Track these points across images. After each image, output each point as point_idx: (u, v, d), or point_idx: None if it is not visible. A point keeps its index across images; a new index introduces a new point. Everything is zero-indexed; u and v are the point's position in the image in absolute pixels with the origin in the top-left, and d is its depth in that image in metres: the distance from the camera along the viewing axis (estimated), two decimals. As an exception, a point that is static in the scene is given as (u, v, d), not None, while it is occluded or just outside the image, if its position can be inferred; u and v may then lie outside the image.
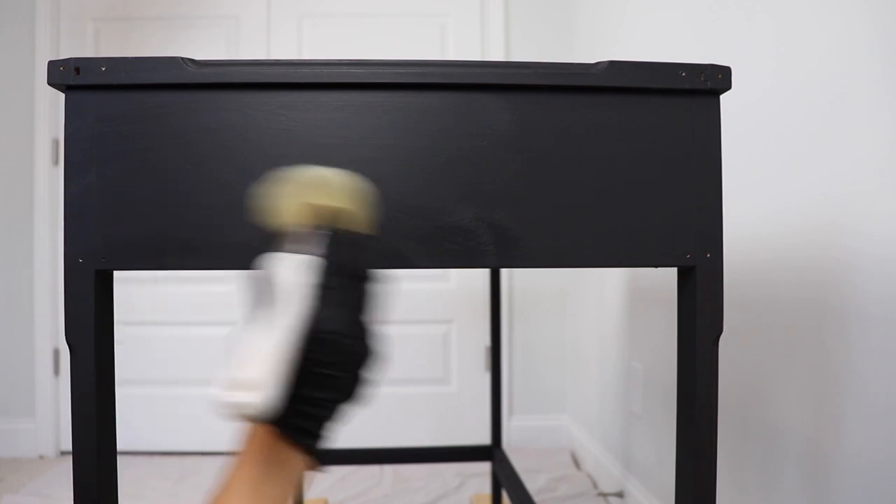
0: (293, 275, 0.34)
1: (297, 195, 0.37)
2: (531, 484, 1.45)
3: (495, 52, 1.82)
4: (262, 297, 0.35)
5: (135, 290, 1.75)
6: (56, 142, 1.79)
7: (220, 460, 1.73)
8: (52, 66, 0.42)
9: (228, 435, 1.80)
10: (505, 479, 1.18)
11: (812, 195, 0.73)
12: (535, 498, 1.07)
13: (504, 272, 1.66)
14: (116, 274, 0.45)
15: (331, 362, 0.34)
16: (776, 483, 0.80)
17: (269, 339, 0.33)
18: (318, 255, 0.35)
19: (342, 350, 0.34)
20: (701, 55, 0.99)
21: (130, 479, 1.52)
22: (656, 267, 0.47)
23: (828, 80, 0.70)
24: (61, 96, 0.43)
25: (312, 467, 0.37)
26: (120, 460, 0.43)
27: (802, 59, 0.75)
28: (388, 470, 1.60)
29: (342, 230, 0.37)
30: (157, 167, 0.43)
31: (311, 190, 0.38)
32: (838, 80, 0.68)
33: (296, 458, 0.36)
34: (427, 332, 1.83)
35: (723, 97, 0.46)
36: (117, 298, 0.46)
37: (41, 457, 1.76)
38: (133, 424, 1.74)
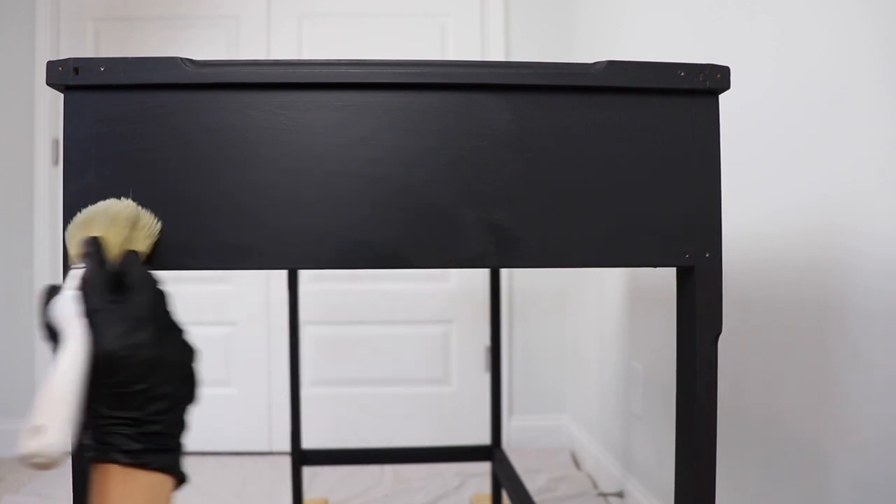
0: (66, 308, 0.36)
1: (71, 234, 0.40)
2: (531, 484, 1.45)
3: (495, 52, 1.82)
4: (54, 339, 0.36)
5: (135, 290, 1.75)
6: (56, 142, 1.79)
7: (220, 460, 1.73)
8: (51, 66, 0.42)
9: (228, 435, 1.81)
10: (505, 479, 1.18)
11: (812, 195, 0.73)
12: (535, 498, 1.07)
13: (504, 272, 1.65)
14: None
15: (121, 380, 0.35)
16: (776, 483, 0.80)
17: (54, 379, 0.33)
18: (80, 283, 0.37)
19: (124, 365, 0.35)
20: (701, 55, 0.99)
21: (130, 479, 1.52)
22: (655, 267, 0.47)
23: (828, 80, 0.70)
24: (61, 96, 0.43)
25: (174, 483, 0.38)
26: (119, 460, 0.43)
27: (802, 59, 0.75)
28: (389, 470, 1.60)
29: (95, 254, 0.38)
30: (157, 167, 0.43)
31: (78, 226, 0.40)
32: (838, 79, 0.68)
33: (151, 482, 0.36)
34: (427, 333, 1.83)
35: (722, 97, 0.46)
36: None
37: (41, 457, 1.76)
38: (133, 424, 1.74)
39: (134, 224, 0.40)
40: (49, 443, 0.32)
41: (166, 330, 0.38)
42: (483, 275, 1.76)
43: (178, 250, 0.43)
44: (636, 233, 0.46)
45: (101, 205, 0.40)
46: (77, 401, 0.34)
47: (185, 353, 0.39)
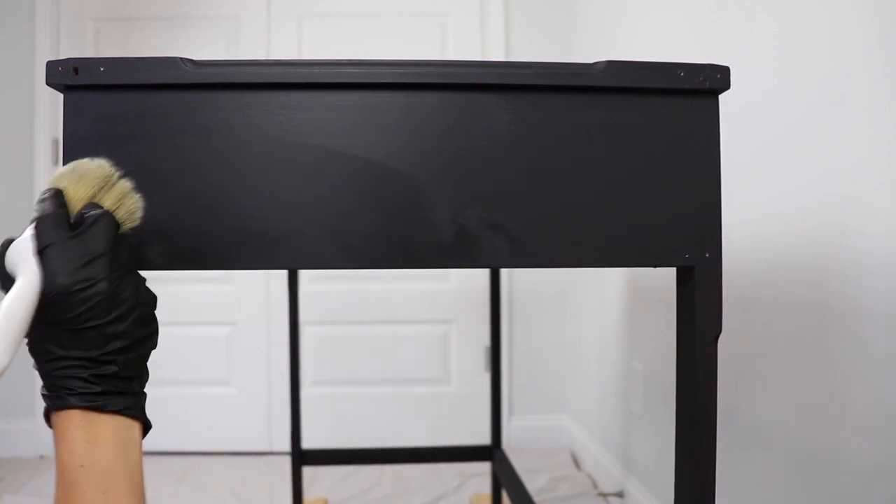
0: (21, 248, 0.36)
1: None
2: (531, 484, 1.45)
3: (495, 52, 1.82)
4: (9, 285, 0.35)
5: (135, 290, 1.75)
6: (56, 142, 1.79)
7: (219, 460, 1.73)
8: (51, 66, 0.42)
9: (228, 435, 1.80)
10: (505, 479, 1.18)
11: (812, 195, 0.73)
12: (535, 498, 1.07)
13: (504, 272, 1.65)
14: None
15: (75, 316, 0.34)
16: (776, 483, 0.79)
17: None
18: (34, 222, 0.36)
19: (77, 300, 0.34)
20: (701, 55, 0.99)
21: (130, 479, 1.52)
22: (655, 267, 0.47)
23: (828, 80, 0.70)
24: (61, 96, 0.43)
25: (140, 428, 0.37)
26: (119, 460, 0.43)
27: (803, 59, 0.75)
28: (388, 470, 1.60)
29: (53, 197, 0.37)
30: (156, 167, 0.43)
31: (49, 183, 0.39)
32: (838, 79, 0.68)
33: (115, 425, 0.35)
34: (427, 332, 1.83)
35: (722, 97, 0.46)
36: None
37: (41, 457, 1.76)
38: (133, 424, 1.74)
39: (104, 184, 0.39)
40: None
41: (123, 269, 0.37)
42: (483, 275, 1.75)
43: (178, 250, 0.43)
44: (636, 233, 0.46)
45: (73, 163, 0.39)
46: (21, 331, 0.33)
47: (143, 295, 0.38)
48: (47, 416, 0.35)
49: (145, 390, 0.38)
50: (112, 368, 0.35)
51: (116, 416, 0.35)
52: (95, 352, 0.34)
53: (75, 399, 0.34)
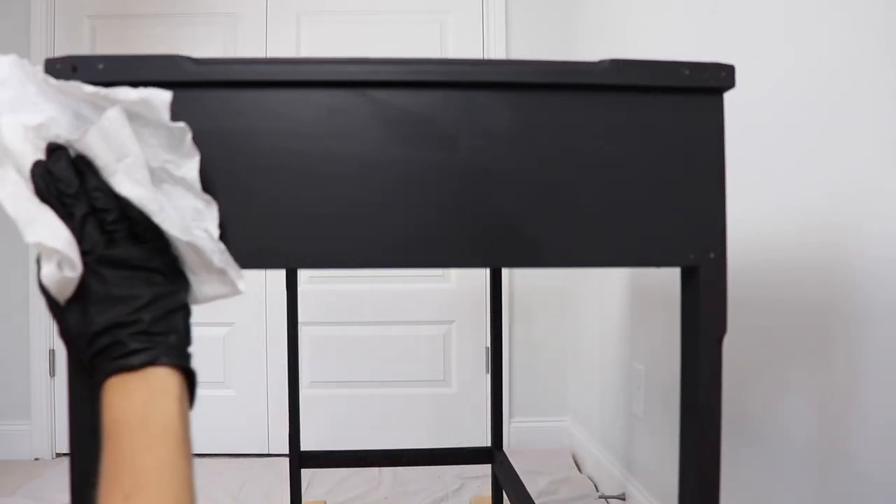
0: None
1: None
2: (532, 486, 1.44)
3: (496, 51, 1.82)
4: None
5: (132, 292, 1.74)
6: (53, 142, 1.78)
7: (217, 462, 1.72)
8: (49, 63, 0.42)
9: (226, 437, 1.80)
10: (505, 482, 1.18)
11: (817, 194, 0.73)
12: (536, 500, 1.07)
13: (504, 272, 1.65)
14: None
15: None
16: (781, 485, 0.79)
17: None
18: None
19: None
20: (705, 54, 0.99)
21: (128, 482, 1.51)
22: (659, 267, 0.47)
23: (832, 79, 0.70)
24: (57, 95, 0.42)
25: (180, 376, 0.36)
26: (116, 463, 0.42)
27: (807, 58, 0.75)
28: (388, 472, 1.59)
29: None
30: (155, 166, 0.42)
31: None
32: (843, 78, 0.68)
33: (148, 379, 0.34)
34: (427, 333, 1.83)
35: (726, 96, 0.46)
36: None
37: (37, 459, 1.75)
38: (130, 426, 1.73)
39: None
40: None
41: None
42: (483, 275, 1.75)
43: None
44: (640, 232, 0.45)
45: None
46: None
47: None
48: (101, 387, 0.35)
49: (186, 346, 0.37)
50: (140, 326, 0.34)
51: (145, 370, 0.34)
52: (123, 315, 0.34)
53: (108, 365, 0.34)
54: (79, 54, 0.42)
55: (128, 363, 0.34)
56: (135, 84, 0.42)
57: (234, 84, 0.43)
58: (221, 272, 0.39)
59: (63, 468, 1.65)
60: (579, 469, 1.65)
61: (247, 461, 1.74)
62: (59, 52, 1.77)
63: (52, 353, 1.76)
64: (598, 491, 1.47)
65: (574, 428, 1.78)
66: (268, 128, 0.43)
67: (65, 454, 1.76)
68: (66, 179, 0.35)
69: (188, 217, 0.38)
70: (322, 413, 1.78)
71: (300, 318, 1.33)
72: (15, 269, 1.77)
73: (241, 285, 0.39)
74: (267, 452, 1.81)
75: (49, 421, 1.75)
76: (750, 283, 0.85)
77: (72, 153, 0.36)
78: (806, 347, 0.74)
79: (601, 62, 0.45)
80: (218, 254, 0.39)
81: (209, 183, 0.40)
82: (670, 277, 1.09)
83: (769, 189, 0.82)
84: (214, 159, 0.43)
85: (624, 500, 1.34)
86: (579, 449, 1.70)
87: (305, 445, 1.30)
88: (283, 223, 0.43)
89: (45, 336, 1.75)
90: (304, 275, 1.79)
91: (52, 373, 1.76)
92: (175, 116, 0.40)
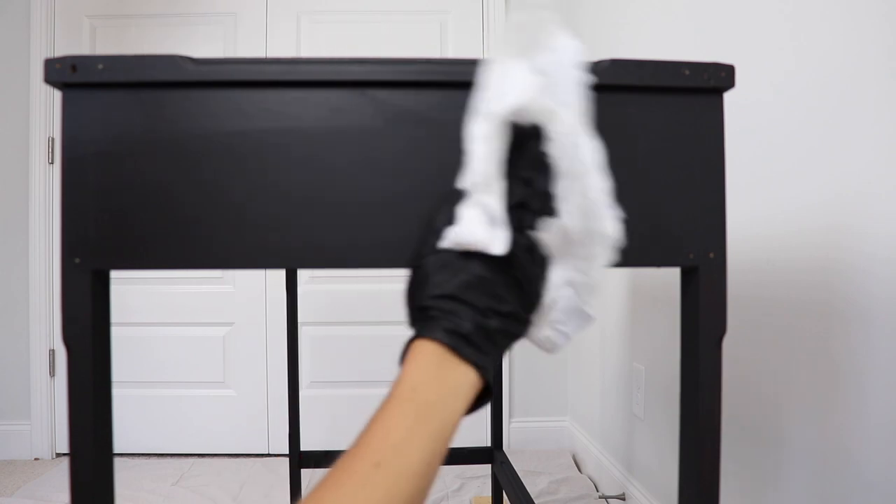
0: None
1: None
2: (532, 486, 1.44)
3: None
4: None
5: (131, 291, 1.75)
6: (51, 140, 1.78)
7: (217, 462, 1.72)
8: (49, 63, 0.42)
9: (226, 437, 1.80)
10: (506, 482, 1.18)
11: (817, 195, 0.73)
12: (536, 500, 1.07)
13: (503, 273, 1.65)
14: (112, 274, 0.45)
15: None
16: (781, 486, 0.79)
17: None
18: None
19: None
20: (704, 55, 0.99)
21: (127, 482, 1.51)
22: (659, 267, 0.47)
23: (833, 80, 0.70)
24: (57, 94, 0.43)
25: (480, 385, 0.34)
26: (116, 462, 0.42)
27: (809, 59, 0.75)
28: (387, 472, 1.59)
29: None
30: (155, 166, 0.42)
31: None
32: (844, 79, 0.68)
33: (460, 372, 0.33)
34: (426, 334, 1.82)
35: (727, 96, 0.46)
36: (113, 299, 0.46)
37: (37, 459, 1.75)
38: (129, 426, 1.73)
39: None
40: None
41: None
42: (482, 276, 1.75)
43: (176, 250, 0.42)
44: (640, 232, 0.45)
45: None
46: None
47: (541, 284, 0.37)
48: (408, 345, 0.35)
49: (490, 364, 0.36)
50: (492, 324, 0.34)
51: (464, 364, 0.33)
52: (485, 303, 0.34)
53: (441, 334, 0.33)
54: (78, 54, 0.42)
55: (459, 347, 0.33)
56: (135, 84, 0.42)
57: (234, 84, 0.43)
58: (575, 320, 0.38)
59: (63, 468, 1.65)
60: (579, 469, 1.65)
61: (247, 461, 1.74)
62: (59, 52, 1.77)
63: (52, 353, 1.76)
64: (598, 491, 1.47)
65: (574, 428, 1.78)
66: (268, 128, 0.43)
67: (65, 454, 1.76)
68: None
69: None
70: (322, 413, 1.78)
71: (300, 318, 1.33)
72: (15, 268, 1.77)
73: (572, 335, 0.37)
74: (267, 452, 1.81)
75: (49, 421, 1.75)
76: (750, 283, 0.85)
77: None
78: (806, 348, 0.74)
79: (601, 62, 0.45)
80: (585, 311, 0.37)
81: (210, 182, 0.40)
82: (671, 277, 1.09)
83: (770, 189, 0.82)
84: (211, 159, 0.43)
85: (624, 499, 1.34)
86: (579, 449, 1.70)
87: (305, 445, 1.30)
88: (283, 222, 0.43)
89: (45, 336, 1.75)
90: (304, 275, 1.79)
91: (53, 373, 1.76)
92: (175, 116, 0.40)
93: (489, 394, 0.36)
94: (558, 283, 0.37)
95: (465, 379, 0.33)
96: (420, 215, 0.43)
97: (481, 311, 0.34)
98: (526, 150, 0.36)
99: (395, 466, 0.30)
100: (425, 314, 0.35)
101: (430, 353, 0.33)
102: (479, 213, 0.34)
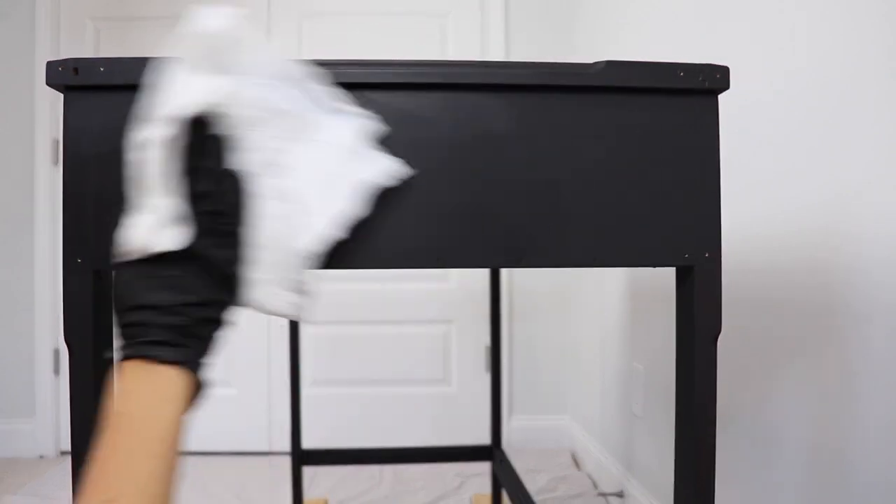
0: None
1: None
2: (531, 484, 1.45)
3: (495, 52, 1.82)
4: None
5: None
6: (56, 142, 1.79)
7: (220, 460, 1.73)
8: (51, 66, 0.42)
9: (228, 435, 1.80)
10: (505, 480, 1.18)
11: (813, 196, 0.73)
12: (536, 498, 1.07)
13: (504, 272, 1.65)
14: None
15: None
16: (776, 484, 0.79)
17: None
18: None
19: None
20: (704, 55, 0.99)
21: (130, 480, 1.52)
22: (655, 266, 0.47)
23: (830, 81, 0.70)
24: (61, 96, 0.43)
25: (190, 383, 0.34)
26: (118, 460, 0.42)
27: (807, 60, 0.75)
28: (388, 470, 1.60)
29: None
30: (156, 167, 0.43)
31: None
32: (842, 80, 0.68)
33: (159, 377, 0.33)
34: (427, 332, 1.83)
35: (726, 96, 0.46)
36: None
37: (41, 457, 1.76)
38: (133, 424, 1.73)
39: None
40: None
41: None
42: (483, 275, 1.75)
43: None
44: (636, 233, 0.46)
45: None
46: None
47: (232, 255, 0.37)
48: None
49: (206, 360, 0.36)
50: (186, 318, 0.34)
51: (165, 368, 0.33)
52: (173, 299, 0.34)
53: (132, 350, 0.33)
54: (81, 56, 0.43)
55: (155, 354, 0.33)
56: (135, 85, 0.42)
57: (234, 86, 0.43)
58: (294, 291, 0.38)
59: (67, 466, 1.66)
60: (578, 467, 1.65)
61: (249, 459, 1.75)
62: (63, 54, 1.78)
63: (56, 351, 1.77)
64: (596, 489, 1.47)
65: (573, 426, 1.78)
66: (267, 129, 0.43)
67: (69, 452, 1.78)
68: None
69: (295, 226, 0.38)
70: (323, 411, 1.78)
71: (301, 317, 1.33)
72: (21, 267, 1.78)
73: (302, 313, 0.39)
74: (269, 450, 1.82)
75: (53, 419, 1.76)
76: (746, 283, 0.85)
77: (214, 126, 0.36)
78: (802, 348, 0.74)
79: (596, 63, 0.45)
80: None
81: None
82: (670, 277, 1.10)
83: (770, 189, 0.82)
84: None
85: (622, 497, 1.34)
86: (579, 447, 1.71)
87: (307, 444, 1.31)
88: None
89: (49, 334, 1.76)
90: (305, 274, 1.79)
91: (57, 371, 1.77)
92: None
93: (201, 385, 0.36)
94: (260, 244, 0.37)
95: (171, 382, 0.34)
96: (420, 216, 0.44)
97: (170, 309, 0.34)
98: (203, 145, 0.36)
99: (129, 495, 0.31)
100: (122, 333, 0.34)
101: (131, 371, 0.33)
102: (147, 217, 0.34)
